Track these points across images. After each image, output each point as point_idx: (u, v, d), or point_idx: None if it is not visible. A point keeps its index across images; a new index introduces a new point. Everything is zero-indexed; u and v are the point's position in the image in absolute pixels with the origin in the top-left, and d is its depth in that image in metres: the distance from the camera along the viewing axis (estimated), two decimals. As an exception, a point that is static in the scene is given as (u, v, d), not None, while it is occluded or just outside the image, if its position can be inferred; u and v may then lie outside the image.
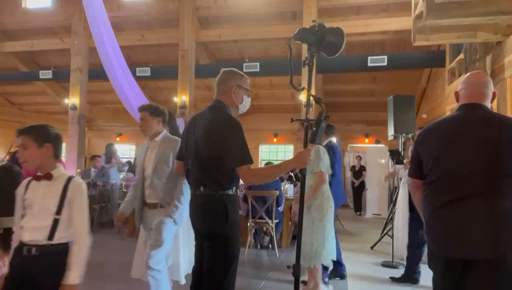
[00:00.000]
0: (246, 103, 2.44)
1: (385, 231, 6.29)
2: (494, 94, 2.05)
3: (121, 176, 8.44)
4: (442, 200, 1.94)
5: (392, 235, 5.51)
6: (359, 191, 11.16)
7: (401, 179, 5.94)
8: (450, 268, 1.92)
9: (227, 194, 2.23)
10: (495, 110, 5.45)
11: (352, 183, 11.39)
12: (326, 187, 3.86)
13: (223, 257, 2.21)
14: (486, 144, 1.87)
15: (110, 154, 8.18)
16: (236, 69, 2.45)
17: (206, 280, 2.24)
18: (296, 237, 2.26)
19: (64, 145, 14.88)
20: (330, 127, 4.62)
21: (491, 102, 2.04)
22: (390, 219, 6.05)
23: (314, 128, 2.20)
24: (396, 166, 5.76)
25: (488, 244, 1.81)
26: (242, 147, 2.18)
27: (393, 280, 4.51)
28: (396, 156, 5.76)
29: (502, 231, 1.81)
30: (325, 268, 4.35)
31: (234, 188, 2.26)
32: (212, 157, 2.20)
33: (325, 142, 4.47)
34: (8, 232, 2.52)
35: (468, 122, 1.95)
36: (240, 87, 2.38)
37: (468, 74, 2.13)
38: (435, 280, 2.04)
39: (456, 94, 2.10)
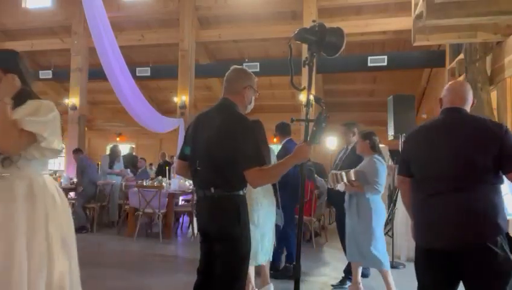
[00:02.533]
0: (252, 103, 2.43)
1: (385, 231, 6.29)
2: (473, 102, 2.23)
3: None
4: (422, 196, 2.16)
5: (392, 235, 5.51)
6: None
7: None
8: (430, 258, 2.12)
9: (239, 195, 2.20)
10: (495, 109, 5.48)
11: (352, 183, 11.36)
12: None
13: (238, 258, 2.19)
14: (459, 145, 2.07)
15: (114, 157, 8.15)
16: (246, 68, 2.43)
17: (219, 281, 2.20)
18: (296, 236, 2.26)
19: (64, 145, 14.88)
20: (286, 126, 4.58)
21: (470, 107, 2.22)
22: (390, 219, 6.05)
23: (314, 129, 2.20)
24: (396, 165, 5.76)
25: (460, 235, 2.00)
26: (253, 148, 2.13)
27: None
28: (396, 156, 5.76)
29: (472, 224, 1.99)
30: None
31: (244, 188, 2.24)
32: (224, 157, 2.16)
33: (283, 142, 4.51)
34: None
35: (445, 127, 2.17)
36: (251, 88, 2.37)
37: (450, 82, 2.34)
38: (416, 269, 2.22)
39: (440, 100, 2.29)
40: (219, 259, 2.20)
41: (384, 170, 3.63)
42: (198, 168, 2.27)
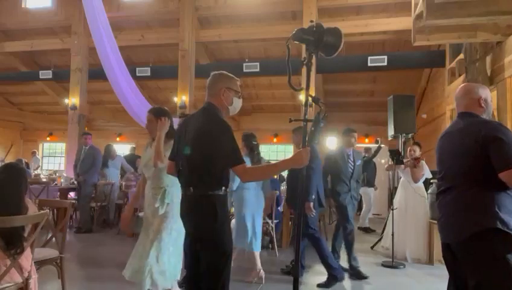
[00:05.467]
0: (236, 105, 2.47)
1: (385, 231, 6.28)
2: (479, 99, 2.33)
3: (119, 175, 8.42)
4: (438, 194, 2.44)
5: (392, 235, 5.50)
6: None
7: (400, 178, 5.93)
8: (443, 250, 2.39)
9: (217, 195, 2.26)
10: (494, 110, 5.47)
11: (352, 183, 11.35)
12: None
13: (217, 257, 2.24)
14: (455, 149, 2.29)
15: (108, 156, 8.13)
16: (225, 72, 2.48)
17: (204, 280, 2.27)
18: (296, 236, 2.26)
19: (64, 145, 14.90)
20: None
21: (480, 106, 2.34)
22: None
23: (312, 128, 2.20)
24: (396, 166, 5.75)
25: (452, 229, 2.26)
26: (235, 149, 2.26)
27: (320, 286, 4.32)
28: (396, 156, 5.75)
29: (460, 219, 2.21)
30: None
31: (223, 188, 2.29)
32: (201, 158, 2.25)
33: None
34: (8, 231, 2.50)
35: (450, 132, 2.42)
36: (230, 90, 2.42)
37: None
38: None
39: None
40: (201, 256, 2.28)
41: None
42: (181, 168, 2.38)
